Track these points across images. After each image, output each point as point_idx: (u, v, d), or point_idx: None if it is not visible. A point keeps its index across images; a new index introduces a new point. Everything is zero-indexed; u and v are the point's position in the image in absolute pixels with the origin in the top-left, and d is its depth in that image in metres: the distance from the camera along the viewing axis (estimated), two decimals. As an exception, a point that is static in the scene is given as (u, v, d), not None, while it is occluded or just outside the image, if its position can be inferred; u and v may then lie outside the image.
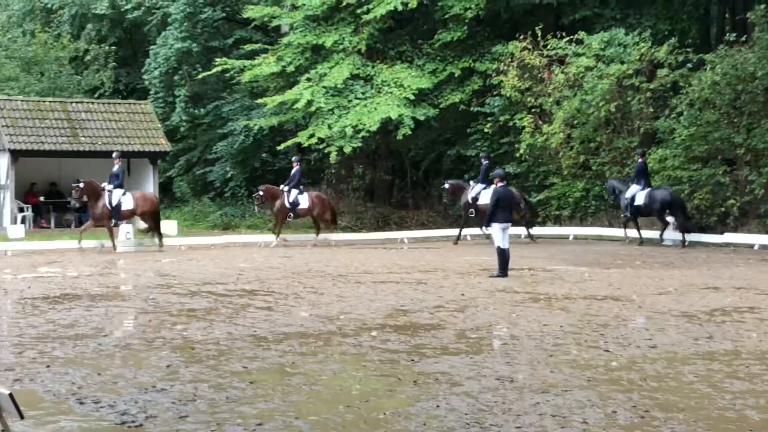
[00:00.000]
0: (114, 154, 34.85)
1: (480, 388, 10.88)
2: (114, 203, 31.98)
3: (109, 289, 22.15)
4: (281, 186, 35.50)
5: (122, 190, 32.76)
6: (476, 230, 35.72)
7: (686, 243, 32.74)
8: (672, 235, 33.57)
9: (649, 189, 33.61)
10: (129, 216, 33.64)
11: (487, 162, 35.80)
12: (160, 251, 32.63)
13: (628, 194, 33.61)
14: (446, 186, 36.90)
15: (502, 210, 23.49)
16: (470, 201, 34.91)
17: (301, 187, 35.38)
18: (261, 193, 35.12)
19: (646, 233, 33.95)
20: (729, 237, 31.99)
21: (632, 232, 34.45)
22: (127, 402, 10.49)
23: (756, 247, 30.34)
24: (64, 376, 11.98)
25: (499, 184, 23.82)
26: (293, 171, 35.55)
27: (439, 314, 17.06)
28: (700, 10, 42.70)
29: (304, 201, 34.82)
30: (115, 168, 33.33)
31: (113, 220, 32.40)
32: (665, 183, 35.03)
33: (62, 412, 10.14)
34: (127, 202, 32.61)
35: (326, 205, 35.94)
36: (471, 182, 35.78)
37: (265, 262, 27.95)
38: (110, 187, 32.23)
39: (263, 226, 43.23)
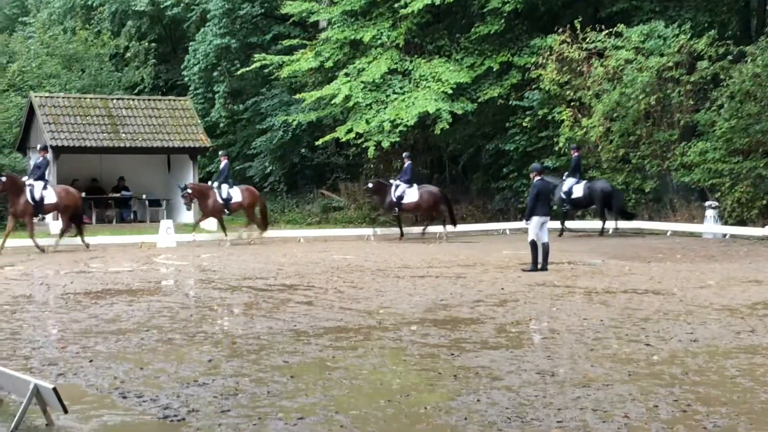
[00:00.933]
0: (38, 146, 34.31)
1: (521, 383, 10.88)
2: (36, 197, 30.84)
3: (151, 284, 22.25)
4: (209, 182, 35.55)
5: (42, 183, 31.40)
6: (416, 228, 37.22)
7: (618, 230, 35.04)
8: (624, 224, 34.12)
9: (585, 182, 34.76)
10: (52, 210, 32.82)
11: (409, 162, 35.99)
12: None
13: (564, 188, 34.36)
14: (369, 185, 36.83)
15: (542, 204, 23.47)
16: (394, 200, 34.92)
17: (230, 181, 34.84)
18: (189, 191, 34.18)
19: (627, 224, 34.11)
20: (771, 229, 31.81)
21: (569, 224, 36.14)
22: (170, 396, 10.54)
23: (798, 240, 30.19)
24: (107, 370, 12.06)
25: (536, 178, 23.76)
26: (221, 166, 35.16)
27: (478, 308, 17.05)
28: (740, 2, 42.43)
29: (237, 195, 34.45)
30: (39, 160, 32.47)
31: (39, 215, 32.27)
32: (706, 176, 34.91)
33: (105, 407, 10.21)
34: (50, 196, 31.48)
35: (257, 198, 35.59)
36: (392, 181, 35.78)
37: (305, 257, 27.99)
38: (31, 180, 31.11)
39: (302, 221, 43.34)
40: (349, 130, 39.90)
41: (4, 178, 30.63)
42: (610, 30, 38.61)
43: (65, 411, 9.38)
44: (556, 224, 34.48)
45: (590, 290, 19.30)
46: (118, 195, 43.70)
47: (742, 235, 32.15)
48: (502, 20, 40.05)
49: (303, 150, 47.49)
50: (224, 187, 34.04)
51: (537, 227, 23.18)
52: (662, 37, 37.72)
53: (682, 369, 11.51)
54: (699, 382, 10.82)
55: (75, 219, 32.15)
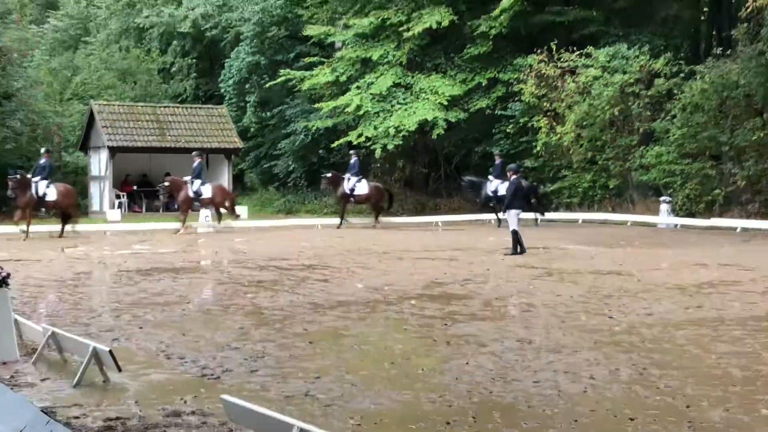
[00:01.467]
0: (42, 150, 33.64)
1: (503, 349, 10.92)
2: (40, 194, 30.28)
3: (192, 263, 22.33)
4: (184, 177, 34.43)
5: (46, 182, 30.65)
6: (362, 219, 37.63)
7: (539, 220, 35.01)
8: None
9: (508, 182, 34.18)
10: (51, 207, 31.68)
11: (356, 158, 36.04)
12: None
13: (492, 187, 34.09)
14: (328, 176, 36.62)
15: (518, 199, 23.58)
16: (347, 191, 35.10)
17: (202, 178, 33.69)
18: (166, 183, 33.61)
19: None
20: (715, 221, 31.80)
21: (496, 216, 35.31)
22: (207, 358, 10.58)
23: (738, 230, 30.12)
24: (154, 336, 12.10)
25: (513, 177, 23.86)
26: (194, 165, 34.13)
27: (468, 286, 17.09)
28: (690, 29, 42.50)
29: (207, 192, 33.58)
30: (42, 161, 31.75)
31: (42, 209, 31.47)
32: (661, 175, 35.03)
33: (152, 366, 10.25)
34: (51, 194, 30.79)
35: (227, 194, 35.14)
36: (347, 175, 35.65)
37: (322, 242, 28.02)
38: (36, 178, 30.46)
39: (320, 211, 43.40)
40: (360, 135, 39.96)
41: (18, 176, 30.28)
42: (581, 51, 38.70)
43: (119, 370, 9.41)
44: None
45: (562, 271, 19.34)
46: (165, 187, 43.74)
47: (690, 226, 32.14)
48: (490, 42, 40.12)
49: (321, 151, 47.50)
50: (196, 183, 33.33)
51: (515, 218, 23.22)
52: (625, 57, 37.80)
53: (639, 338, 11.55)
54: (654, 349, 10.85)
55: (68, 215, 31.42)
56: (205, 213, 34.80)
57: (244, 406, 7.24)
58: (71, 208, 31.38)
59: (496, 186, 33.94)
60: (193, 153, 35.72)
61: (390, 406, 8.44)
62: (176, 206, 34.65)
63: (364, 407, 8.39)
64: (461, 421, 7.89)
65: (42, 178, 30.46)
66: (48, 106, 43.55)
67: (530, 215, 33.69)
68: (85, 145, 44.02)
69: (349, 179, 35.24)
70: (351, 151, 38.00)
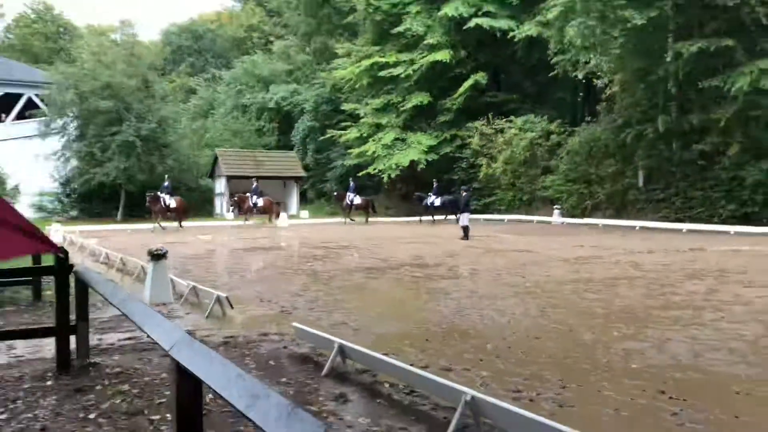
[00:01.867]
0: (166, 176, 33.40)
1: (460, 296, 10.89)
2: (166, 203, 30.10)
3: (275, 244, 22.34)
4: (247, 193, 34.14)
5: (169, 196, 30.51)
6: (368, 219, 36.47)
7: (367, 221, 35.53)
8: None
9: (442, 196, 35.19)
10: (174, 211, 30.62)
11: (353, 184, 36.97)
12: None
13: (432, 199, 34.77)
14: (335, 193, 37.97)
15: (468, 206, 23.66)
16: (349, 202, 35.55)
17: (170, 193, 31.15)
18: (236, 198, 33.49)
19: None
20: (586, 220, 31.66)
21: (429, 219, 35.42)
22: (284, 301, 10.58)
23: (600, 226, 29.97)
24: (253, 287, 12.12)
25: (465, 193, 24.12)
26: (254, 186, 34.08)
27: (438, 258, 17.04)
28: (571, 106, 42.46)
29: (260, 202, 33.39)
30: (166, 183, 31.60)
31: (168, 212, 30.51)
32: (554, 193, 35.02)
33: (252, 306, 10.26)
34: (172, 203, 30.45)
35: (273, 205, 34.17)
36: (348, 193, 36.29)
37: (351, 232, 28.00)
38: (163, 194, 30.46)
39: (351, 215, 43.39)
40: (375, 168, 39.94)
41: (152, 194, 30.11)
42: (506, 119, 38.63)
43: (231, 308, 9.44)
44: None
45: (495, 250, 19.28)
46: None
47: (572, 223, 32.02)
48: (452, 114, 40.06)
49: (351, 178, 47.42)
50: (254, 197, 33.26)
51: (467, 218, 23.26)
52: (533, 122, 37.62)
53: (541, 290, 11.50)
54: (550, 297, 10.81)
55: (183, 215, 31.15)
56: (284, 215, 34.78)
57: (305, 329, 7.26)
58: (183, 212, 31.14)
59: (433, 199, 34.74)
60: (253, 178, 35.87)
61: (393, 330, 8.44)
62: (242, 212, 34.16)
63: (378, 330, 8.40)
64: (434, 339, 7.89)
65: (167, 193, 30.58)
66: (190, 151, 43.69)
67: (453, 217, 34.25)
68: (212, 174, 44.10)
69: (349, 195, 35.62)
70: (350, 179, 38.86)
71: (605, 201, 32.74)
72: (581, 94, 44.18)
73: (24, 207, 37.53)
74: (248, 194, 34.11)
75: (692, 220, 27.78)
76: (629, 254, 17.50)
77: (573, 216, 33.50)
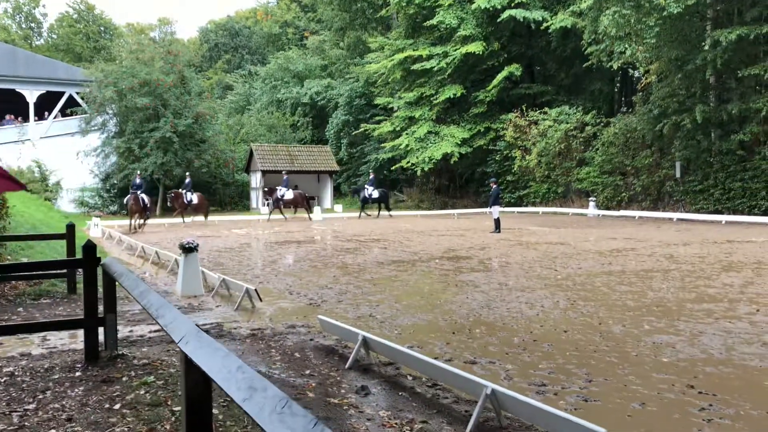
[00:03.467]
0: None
1: (489, 289, 10.77)
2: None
3: (308, 238, 22.38)
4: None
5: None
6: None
7: (391, 215, 34.76)
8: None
9: (377, 189, 34.62)
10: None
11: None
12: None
13: (369, 192, 33.99)
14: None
15: (498, 200, 23.39)
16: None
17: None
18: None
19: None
20: (622, 212, 31.20)
21: (370, 211, 35.12)
22: (312, 294, 10.59)
23: (636, 218, 29.52)
24: (283, 280, 12.15)
25: (494, 186, 23.72)
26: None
27: (470, 251, 16.92)
28: (608, 96, 41.79)
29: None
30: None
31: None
32: (589, 185, 34.57)
33: (281, 298, 10.28)
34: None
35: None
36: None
37: (383, 225, 27.95)
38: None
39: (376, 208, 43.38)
40: (408, 162, 39.80)
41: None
42: (541, 110, 38.21)
43: (260, 300, 9.46)
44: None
45: (526, 242, 19.05)
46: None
47: (607, 215, 31.57)
48: (485, 106, 39.73)
49: (385, 172, 47.43)
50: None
51: (498, 210, 23.07)
52: (567, 114, 37.18)
53: (572, 282, 11.32)
54: (581, 289, 10.63)
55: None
56: (317, 209, 34.85)
57: (330, 322, 7.22)
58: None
59: (371, 191, 34.04)
60: (283, 171, 35.77)
61: (419, 322, 8.37)
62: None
63: (404, 323, 8.34)
64: (461, 332, 7.79)
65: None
66: (226, 146, 44.03)
67: (386, 213, 34.69)
68: (247, 169, 44.41)
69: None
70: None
71: (641, 193, 32.21)
72: (617, 84, 43.47)
73: (66, 203, 38.35)
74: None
75: (731, 211, 27.14)
76: (664, 246, 17.14)
77: (608, 208, 33.04)
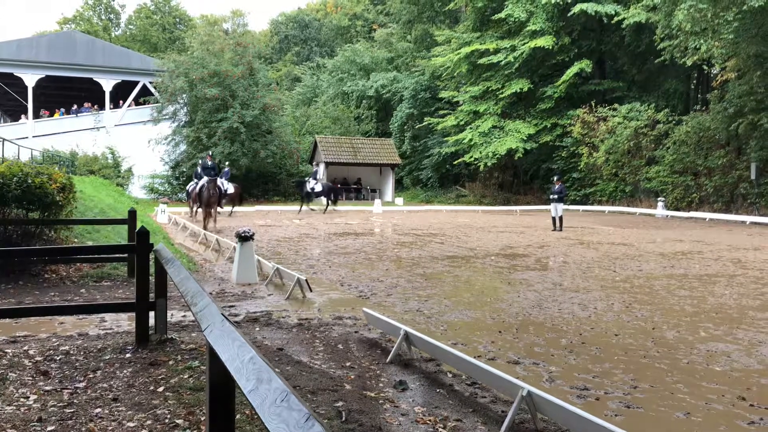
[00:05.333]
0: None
1: (543, 288, 10.61)
2: (224, 189, 25.30)
3: (366, 230, 22.49)
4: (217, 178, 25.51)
5: (227, 181, 27.21)
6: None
7: (336, 209, 33.20)
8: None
9: (322, 183, 33.01)
10: (230, 197, 27.77)
11: (228, 169, 29.74)
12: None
13: (312, 185, 31.78)
14: (293, 182, 34.39)
15: (562, 196, 22.91)
16: (309, 190, 31.74)
17: (229, 179, 28.46)
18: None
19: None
20: (692, 214, 30.17)
21: (314, 206, 33.16)
22: (363, 286, 10.64)
23: (707, 220, 28.52)
24: (336, 271, 12.25)
25: (558, 184, 23.22)
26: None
27: (528, 249, 16.69)
28: (680, 93, 40.44)
29: (230, 188, 27.54)
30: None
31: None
32: (658, 184, 33.63)
33: (332, 290, 10.37)
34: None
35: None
36: (308, 179, 32.87)
37: (442, 220, 27.85)
38: (222, 180, 25.82)
39: (445, 202, 43.17)
40: (471, 156, 39.53)
41: (211, 182, 27.85)
42: (610, 107, 37.33)
43: (311, 290, 9.57)
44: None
45: (587, 242, 18.65)
46: (356, 186, 44.36)
47: (676, 216, 30.61)
48: (553, 101, 39.07)
49: (448, 166, 47.18)
50: (313, 182, 31.86)
51: (561, 208, 22.65)
52: (638, 110, 36.21)
53: (630, 285, 11.03)
54: (638, 292, 10.34)
55: (237, 201, 29.66)
56: (378, 201, 34.95)
57: (375, 315, 7.25)
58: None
59: (313, 185, 31.97)
60: (315, 164, 34.89)
61: (466, 319, 8.31)
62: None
63: (451, 319, 8.29)
64: (508, 331, 7.70)
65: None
66: (292, 138, 44.60)
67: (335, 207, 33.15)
68: (311, 160, 44.90)
69: (309, 182, 32.34)
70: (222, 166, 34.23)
71: (713, 194, 31.12)
72: (693, 82, 42.03)
73: (137, 188, 39.66)
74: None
75: (809, 216, 25.91)
76: (733, 250, 16.50)
77: (678, 209, 32.06)
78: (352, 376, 5.79)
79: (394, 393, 5.39)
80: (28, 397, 5.07)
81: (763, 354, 6.75)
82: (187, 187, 26.99)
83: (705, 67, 33.30)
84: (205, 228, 19.65)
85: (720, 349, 6.94)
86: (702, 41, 27.62)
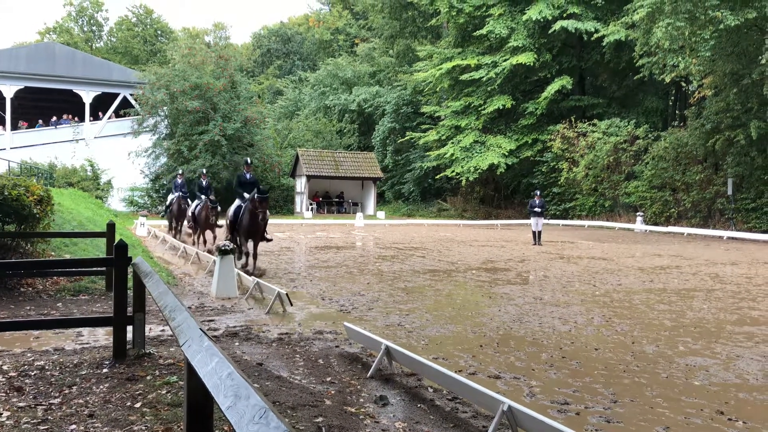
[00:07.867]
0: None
1: (523, 302, 10.63)
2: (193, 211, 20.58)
3: (347, 244, 22.45)
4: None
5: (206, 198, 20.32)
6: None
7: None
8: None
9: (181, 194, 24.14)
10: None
11: (182, 180, 23.11)
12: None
13: (170, 199, 23.17)
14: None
15: (542, 211, 23.09)
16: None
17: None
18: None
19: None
20: (670, 229, 30.47)
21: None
22: (344, 300, 10.59)
23: (684, 235, 28.82)
24: (317, 285, 12.18)
25: (538, 198, 23.37)
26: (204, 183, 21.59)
27: (509, 263, 16.74)
28: (659, 110, 40.97)
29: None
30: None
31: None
32: (637, 199, 33.97)
33: (312, 304, 10.30)
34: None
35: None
36: (173, 189, 27.19)
37: (424, 234, 27.87)
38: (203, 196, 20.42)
39: (427, 216, 43.22)
40: (453, 171, 39.69)
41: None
42: (590, 122, 37.72)
43: (291, 305, 9.51)
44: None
45: (568, 256, 18.76)
46: (338, 200, 44.29)
47: (654, 231, 30.90)
48: (534, 118, 39.41)
49: (429, 180, 47.33)
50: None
51: (541, 223, 22.78)
52: (618, 126, 36.66)
53: (610, 299, 11.09)
54: (617, 306, 10.40)
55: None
56: (360, 215, 34.93)
57: (355, 329, 7.21)
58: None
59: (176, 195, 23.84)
60: (296, 175, 35.13)
61: (447, 334, 8.29)
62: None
63: (432, 333, 8.27)
64: (489, 345, 7.69)
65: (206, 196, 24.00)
66: (273, 151, 44.49)
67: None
68: (293, 173, 44.82)
69: (174, 193, 24.33)
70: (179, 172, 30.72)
71: (691, 209, 31.49)
72: (671, 98, 42.61)
73: (116, 201, 39.27)
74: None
75: (785, 231, 26.27)
76: (711, 265, 16.67)
77: (656, 224, 32.39)
78: (333, 392, 5.75)
79: (375, 408, 5.35)
80: (1, 414, 4.97)
81: (741, 368, 6.80)
82: (167, 202, 24.71)
83: (683, 84, 33.75)
84: (194, 244, 19.11)
85: (699, 363, 6.98)
86: (680, 59, 28.04)
